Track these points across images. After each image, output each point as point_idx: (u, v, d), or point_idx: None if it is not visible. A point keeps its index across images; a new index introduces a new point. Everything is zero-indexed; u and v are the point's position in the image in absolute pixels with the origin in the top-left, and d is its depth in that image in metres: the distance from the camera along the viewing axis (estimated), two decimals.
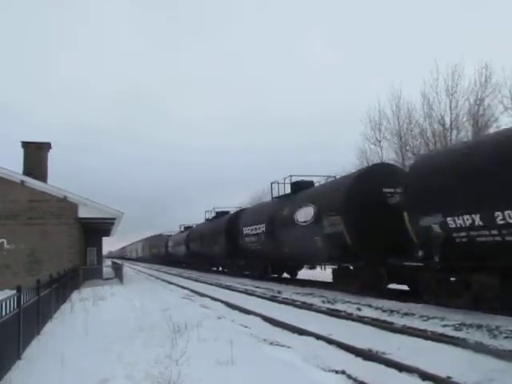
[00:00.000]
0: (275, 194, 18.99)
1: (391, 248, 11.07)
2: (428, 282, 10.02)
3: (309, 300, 12.20)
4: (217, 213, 29.84)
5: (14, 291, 6.35)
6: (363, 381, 4.89)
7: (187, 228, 38.66)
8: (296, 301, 12.10)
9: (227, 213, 28.12)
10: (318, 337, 7.10)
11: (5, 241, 19.17)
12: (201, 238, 29.96)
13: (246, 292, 15.56)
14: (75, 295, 15.60)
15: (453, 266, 9.39)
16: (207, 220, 31.26)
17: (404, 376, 5.04)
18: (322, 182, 17.30)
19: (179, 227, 42.35)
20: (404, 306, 10.00)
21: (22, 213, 19.53)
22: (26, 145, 22.34)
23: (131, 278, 26.08)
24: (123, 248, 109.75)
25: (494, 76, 24.24)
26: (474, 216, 8.41)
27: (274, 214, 17.51)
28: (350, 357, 5.98)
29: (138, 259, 74.65)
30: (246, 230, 20.55)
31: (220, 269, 29.51)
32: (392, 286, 12.33)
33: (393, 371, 5.21)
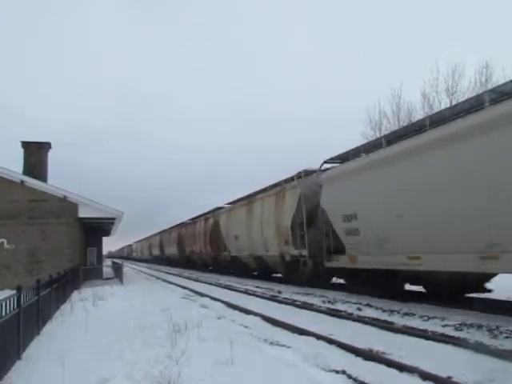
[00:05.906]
0: None
1: None
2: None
3: (309, 300, 12.20)
4: None
5: (14, 291, 6.35)
6: (363, 381, 4.88)
7: None
8: (296, 301, 12.10)
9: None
10: (319, 337, 7.09)
11: (5, 241, 19.15)
12: None
13: (246, 292, 15.56)
14: (75, 295, 15.60)
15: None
16: None
17: (404, 376, 5.03)
18: None
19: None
20: (404, 306, 10.01)
21: (22, 213, 19.51)
22: (26, 145, 22.31)
23: (131, 278, 26.09)
24: (137, 243, 74.40)
25: (495, 76, 24.25)
26: None
27: None
28: (351, 357, 5.96)
29: None
30: None
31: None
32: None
33: (393, 371, 5.20)
